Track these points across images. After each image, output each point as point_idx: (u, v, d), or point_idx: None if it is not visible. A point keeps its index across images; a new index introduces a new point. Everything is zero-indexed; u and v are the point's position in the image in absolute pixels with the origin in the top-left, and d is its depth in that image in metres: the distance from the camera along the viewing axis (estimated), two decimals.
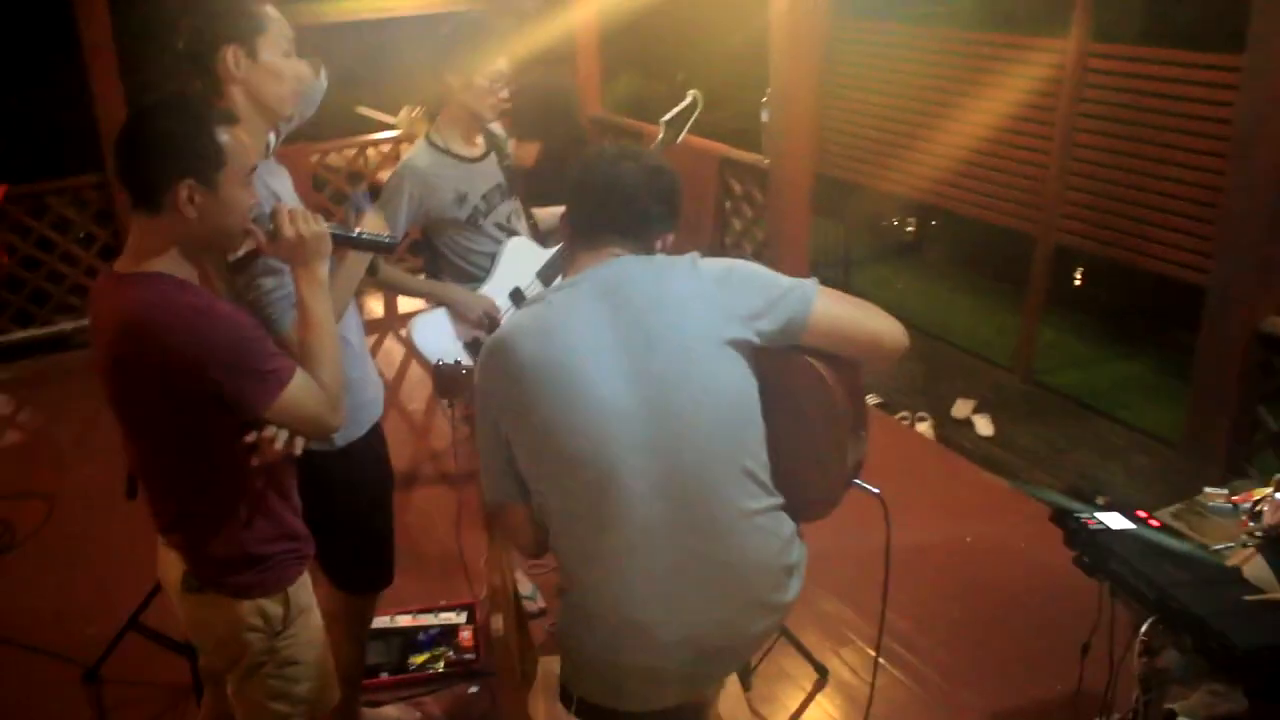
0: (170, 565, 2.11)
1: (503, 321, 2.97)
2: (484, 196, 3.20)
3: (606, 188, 1.95)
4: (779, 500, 1.94)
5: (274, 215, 2.01)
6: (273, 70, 2.26)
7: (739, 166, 6.05)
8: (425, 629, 3.41)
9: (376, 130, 6.73)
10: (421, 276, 3.37)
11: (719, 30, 8.61)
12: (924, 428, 5.18)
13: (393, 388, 5.44)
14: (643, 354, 1.82)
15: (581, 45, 7.11)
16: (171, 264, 1.91)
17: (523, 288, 3.20)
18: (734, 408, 1.86)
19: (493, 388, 1.91)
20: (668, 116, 3.22)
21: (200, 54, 2.22)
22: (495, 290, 3.19)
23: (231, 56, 2.21)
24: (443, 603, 3.56)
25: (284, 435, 1.97)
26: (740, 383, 1.87)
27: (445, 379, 2.46)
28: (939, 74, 5.69)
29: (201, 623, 2.13)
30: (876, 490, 2.08)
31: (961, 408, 5.46)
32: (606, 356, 1.82)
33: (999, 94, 5.43)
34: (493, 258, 3.21)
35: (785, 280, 1.93)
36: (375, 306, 6.49)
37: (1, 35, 7.63)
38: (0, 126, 7.39)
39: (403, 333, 6.06)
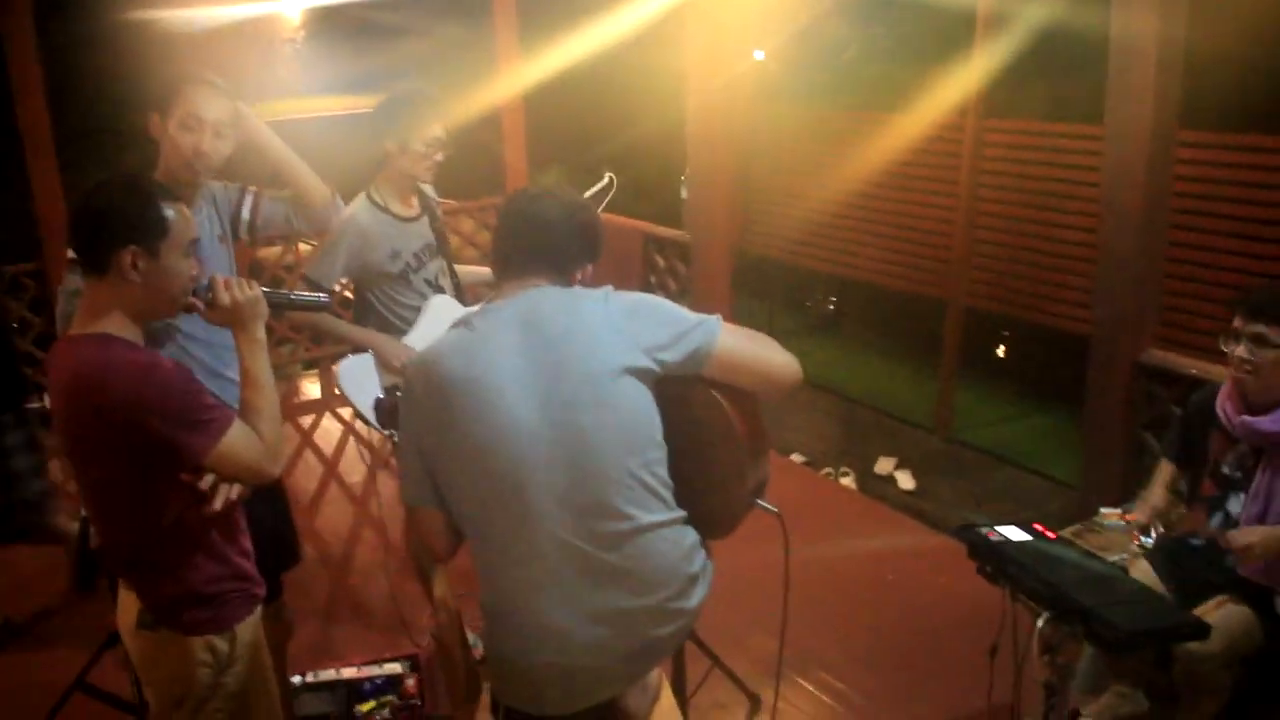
0: (127, 605, 2.22)
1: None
2: (415, 254, 3.40)
3: (528, 222, 2.12)
4: (680, 514, 2.10)
5: (211, 284, 2.18)
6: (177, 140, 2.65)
7: (662, 241, 6.34)
8: (370, 679, 3.48)
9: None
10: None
11: (643, 123, 9.00)
12: (847, 482, 5.40)
13: (331, 463, 5.55)
14: (553, 379, 1.98)
15: (509, 137, 7.30)
16: (116, 325, 2.07)
17: None
18: (635, 428, 2.03)
19: (415, 402, 2.06)
20: (585, 195, 3.46)
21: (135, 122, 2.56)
22: (417, 341, 3.33)
23: (155, 121, 2.63)
24: (387, 655, 3.64)
25: (225, 486, 2.11)
26: (641, 406, 2.04)
27: (387, 410, 2.60)
28: (851, 153, 6.05)
29: (154, 659, 2.22)
30: (776, 510, 2.25)
31: (884, 464, 5.70)
32: (521, 380, 1.98)
33: (907, 170, 5.80)
34: (418, 311, 3.38)
35: (691, 316, 2.11)
36: (312, 389, 6.59)
37: None
38: None
39: (340, 411, 6.18)
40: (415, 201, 3.46)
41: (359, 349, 3.38)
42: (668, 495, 2.07)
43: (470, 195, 7.21)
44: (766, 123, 6.81)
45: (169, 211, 2.08)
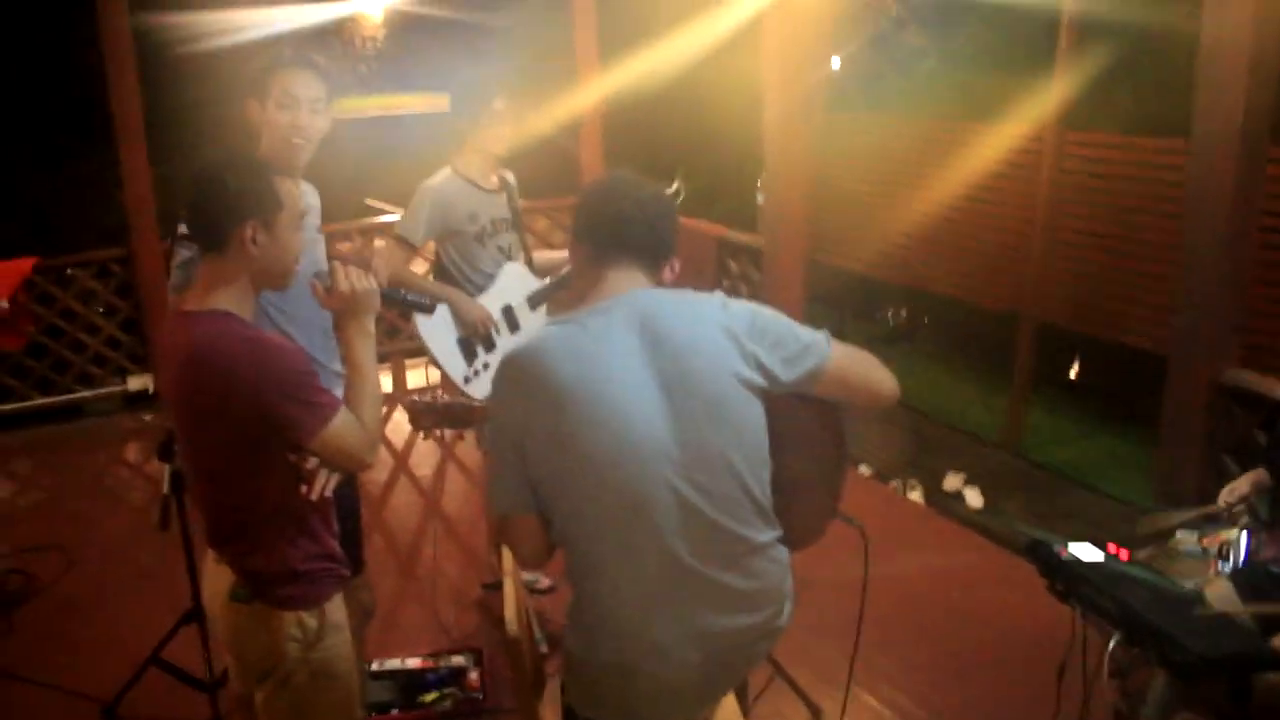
0: (219, 578, 2.27)
1: (523, 338, 3.39)
2: (492, 221, 3.73)
3: (626, 211, 2.03)
4: (779, 532, 2.07)
5: (332, 270, 2.24)
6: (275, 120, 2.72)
7: (735, 246, 6.34)
8: (434, 670, 3.53)
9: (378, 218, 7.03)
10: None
11: (719, 128, 9.01)
12: (915, 495, 5.35)
13: (401, 456, 5.63)
14: (681, 394, 1.90)
15: (586, 139, 7.34)
16: (233, 300, 2.14)
17: (514, 306, 3.74)
18: (756, 448, 1.99)
19: (521, 404, 1.94)
20: None
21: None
22: (491, 301, 3.70)
23: (254, 107, 2.71)
24: (451, 647, 3.68)
25: (325, 472, 2.17)
26: (760, 424, 2.00)
27: (416, 411, 2.58)
28: (927, 163, 6.00)
29: (245, 631, 2.27)
30: (859, 523, 2.26)
31: (952, 480, 5.63)
32: (646, 391, 1.90)
33: (984, 181, 5.73)
34: (490, 276, 3.73)
35: (804, 333, 2.06)
36: (384, 381, 6.70)
37: (37, 118, 8.09)
38: (33, 203, 7.78)
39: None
40: (495, 179, 3.78)
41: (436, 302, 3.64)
42: (771, 513, 2.04)
43: (545, 195, 7.28)
44: (843, 131, 6.76)
45: (283, 187, 2.16)
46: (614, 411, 1.88)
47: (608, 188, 2.09)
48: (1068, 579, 2.66)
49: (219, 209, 2.10)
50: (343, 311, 2.25)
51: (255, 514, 2.18)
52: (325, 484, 2.19)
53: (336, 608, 2.31)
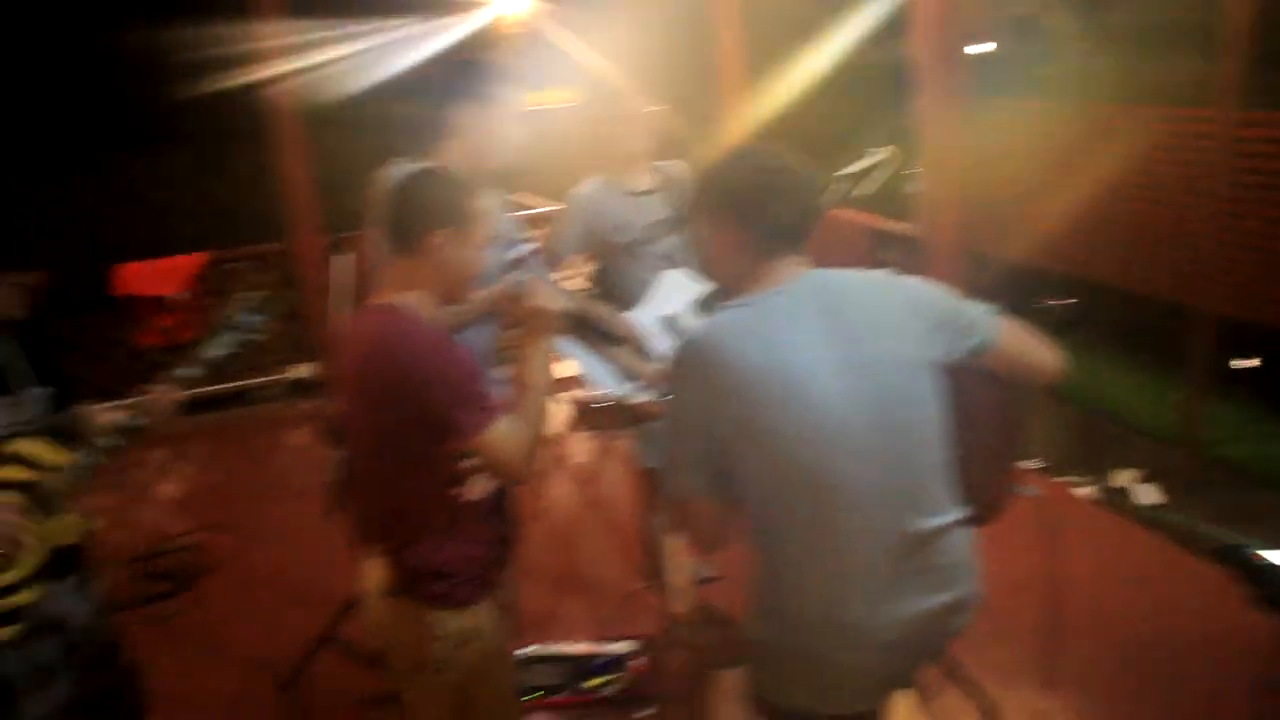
0: (373, 571, 2.33)
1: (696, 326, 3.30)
2: (644, 228, 3.50)
3: (770, 188, 1.98)
4: (964, 509, 2.04)
5: (530, 283, 2.30)
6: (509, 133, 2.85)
7: (889, 237, 6.20)
8: (599, 656, 3.54)
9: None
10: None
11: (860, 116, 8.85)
12: (1086, 491, 5.14)
13: (558, 443, 5.67)
14: (866, 375, 1.90)
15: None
16: (417, 300, 2.21)
17: (676, 315, 3.40)
18: (940, 424, 1.98)
19: (704, 391, 1.93)
20: (842, 172, 3.39)
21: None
22: (645, 314, 3.38)
23: (475, 112, 2.80)
24: (617, 634, 3.68)
25: (481, 477, 2.22)
26: (940, 399, 1.99)
27: (588, 414, 2.60)
28: (1085, 148, 5.76)
29: (394, 626, 2.32)
30: (1036, 492, 2.22)
31: (1124, 477, 5.38)
32: (832, 375, 1.89)
33: (1147, 166, 5.47)
34: (645, 285, 3.45)
35: (973, 307, 2.08)
36: None
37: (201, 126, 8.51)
38: (200, 203, 8.21)
39: (561, 396, 6.32)
40: (648, 178, 3.57)
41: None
42: (955, 489, 2.02)
43: None
44: (996, 116, 6.53)
45: (480, 204, 2.22)
46: (802, 396, 1.87)
47: (750, 168, 2.03)
48: (1270, 586, 2.50)
49: (416, 214, 2.17)
50: (525, 325, 2.29)
51: (409, 510, 2.22)
52: (479, 487, 2.23)
53: (486, 608, 2.33)
